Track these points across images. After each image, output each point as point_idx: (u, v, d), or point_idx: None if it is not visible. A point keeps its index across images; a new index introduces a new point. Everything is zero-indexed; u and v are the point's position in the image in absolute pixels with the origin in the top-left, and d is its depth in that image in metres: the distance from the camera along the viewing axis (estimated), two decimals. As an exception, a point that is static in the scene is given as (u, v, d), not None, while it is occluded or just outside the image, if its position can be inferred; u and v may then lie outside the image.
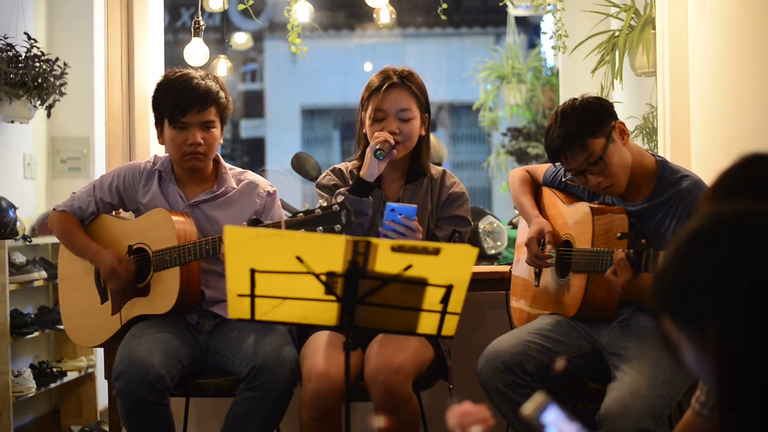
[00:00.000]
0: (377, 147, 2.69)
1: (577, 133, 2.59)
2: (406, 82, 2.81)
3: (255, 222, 2.60)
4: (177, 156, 2.86)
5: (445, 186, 2.88)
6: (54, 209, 3.00)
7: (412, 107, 2.80)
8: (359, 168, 2.83)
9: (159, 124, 2.90)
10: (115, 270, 2.80)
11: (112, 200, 2.95)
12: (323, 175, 2.91)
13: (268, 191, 2.94)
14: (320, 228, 2.45)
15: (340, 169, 2.90)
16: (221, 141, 2.92)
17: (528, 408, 1.17)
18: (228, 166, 2.97)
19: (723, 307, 1.00)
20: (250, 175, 2.98)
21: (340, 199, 2.52)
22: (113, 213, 3.01)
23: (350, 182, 2.84)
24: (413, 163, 2.87)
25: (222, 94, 2.88)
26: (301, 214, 2.49)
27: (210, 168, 2.94)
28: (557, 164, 2.78)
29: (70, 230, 2.94)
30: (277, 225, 2.56)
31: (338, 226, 2.45)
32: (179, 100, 2.81)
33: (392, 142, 2.73)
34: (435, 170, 2.91)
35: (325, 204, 2.48)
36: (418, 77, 2.86)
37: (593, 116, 2.61)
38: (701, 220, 1.05)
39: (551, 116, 2.69)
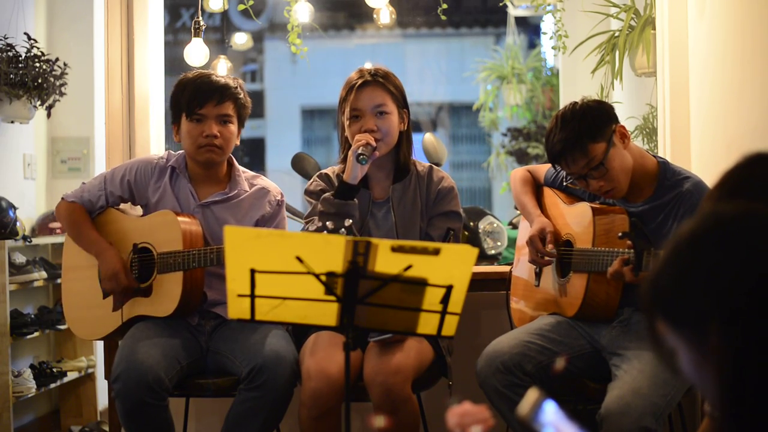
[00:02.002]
0: (359, 152, 2.68)
1: (578, 139, 2.58)
2: (378, 79, 2.81)
3: None
4: (192, 148, 2.87)
5: (433, 182, 2.87)
6: (63, 198, 2.98)
7: (387, 102, 2.80)
8: (344, 171, 2.83)
9: (176, 121, 2.91)
10: (117, 274, 2.81)
11: (122, 194, 2.94)
12: (311, 181, 2.90)
13: (278, 200, 2.96)
14: None
15: (326, 174, 2.89)
16: (238, 141, 2.92)
17: (524, 407, 1.16)
18: (242, 169, 2.98)
19: (724, 310, 0.99)
20: (262, 181, 2.99)
21: (324, 205, 2.53)
22: (119, 205, 3.01)
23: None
24: (398, 160, 2.87)
25: (240, 92, 2.90)
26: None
27: (224, 169, 2.95)
28: (558, 168, 2.78)
29: (78, 222, 2.93)
30: None
31: None
32: (197, 93, 2.84)
33: (374, 144, 2.72)
34: (421, 166, 2.91)
35: (331, 227, 2.49)
36: (393, 76, 2.86)
37: (593, 121, 2.61)
38: (700, 221, 1.05)
39: (552, 120, 2.69)
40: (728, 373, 0.99)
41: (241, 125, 2.93)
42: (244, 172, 2.98)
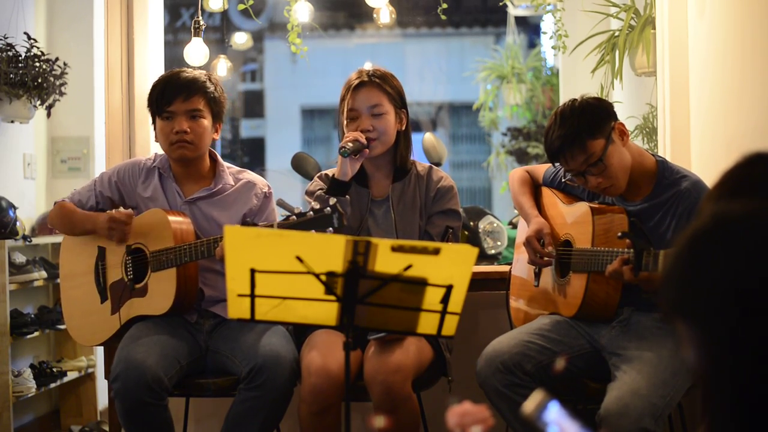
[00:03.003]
0: (341, 145, 2.72)
1: (577, 135, 2.59)
2: (375, 80, 2.83)
3: (249, 225, 2.61)
4: (166, 146, 2.89)
5: (432, 181, 2.89)
6: (54, 204, 3.01)
7: (383, 102, 2.82)
8: None
9: (154, 122, 2.93)
10: (112, 224, 2.80)
11: (112, 195, 2.96)
12: (311, 182, 2.93)
13: (265, 192, 2.95)
14: (312, 231, 2.46)
15: (326, 174, 2.91)
16: (216, 136, 2.93)
17: (528, 406, 1.16)
18: (226, 164, 2.99)
19: (713, 308, 1.00)
20: (248, 175, 2.99)
21: (318, 204, 2.53)
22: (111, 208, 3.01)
23: None
24: (397, 160, 2.89)
25: (210, 85, 2.89)
26: (294, 216, 2.50)
27: (207, 166, 2.96)
28: (557, 165, 2.78)
29: (67, 213, 2.95)
30: (269, 227, 2.56)
31: (330, 229, 2.46)
32: (165, 90, 2.85)
33: (363, 141, 2.75)
34: (421, 167, 2.93)
35: (317, 206, 2.49)
36: (391, 78, 2.88)
37: (592, 117, 2.61)
38: (702, 221, 1.05)
39: (551, 117, 2.69)
40: (707, 367, 1.00)
41: (217, 119, 2.92)
42: (229, 168, 2.98)
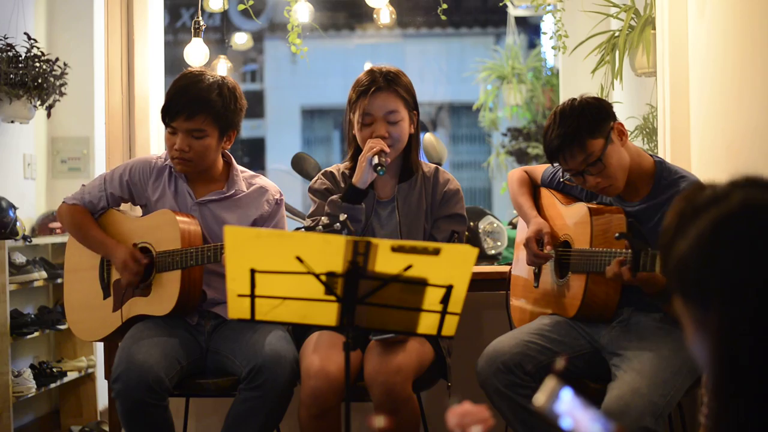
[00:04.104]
0: (377, 163, 2.67)
1: (576, 134, 2.58)
2: (392, 85, 2.79)
3: None
4: (169, 156, 2.87)
5: (439, 183, 2.87)
6: (64, 202, 2.98)
7: (400, 109, 2.79)
8: (351, 170, 2.82)
9: None
10: (127, 264, 2.81)
11: (122, 194, 2.95)
12: (315, 179, 2.90)
13: (277, 199, 2.94)
14: None
15: (331, 172, 2.89)
16: (227, 146, 2.89)
17: (540, 398, 1.16)
18: (240, 168, 2.97)
19: (731, 291, 1.00)
20: (261, 180, 2.97)
21: (330, 210, 2.52)
22: (120, 206, 3.02)
23: (342, 185, 2.83)
24: (405, 161, 2.87)
25: (218, 100, 2.79)
26: (303, 230, 2.50)
27: (220, 169, 2.94)
28: (555, 164, 2.78)
29: (83, 224, 2.93)
30: None
31: None
32: (170, 104, 2.81)
33: (387, 150, 2.72)
34: (427, 167, 2.91)
35: (327, 221, 2.48)
36: (404, 77, 2.84)
37: (592, 117, 2.61)
38: (728, 205, 1.04)
39: (550, 116, 2.69)
40: (723, 352, 1.00)
41: (228, 130, 2.85)
42: (242, 172, 2.97)
